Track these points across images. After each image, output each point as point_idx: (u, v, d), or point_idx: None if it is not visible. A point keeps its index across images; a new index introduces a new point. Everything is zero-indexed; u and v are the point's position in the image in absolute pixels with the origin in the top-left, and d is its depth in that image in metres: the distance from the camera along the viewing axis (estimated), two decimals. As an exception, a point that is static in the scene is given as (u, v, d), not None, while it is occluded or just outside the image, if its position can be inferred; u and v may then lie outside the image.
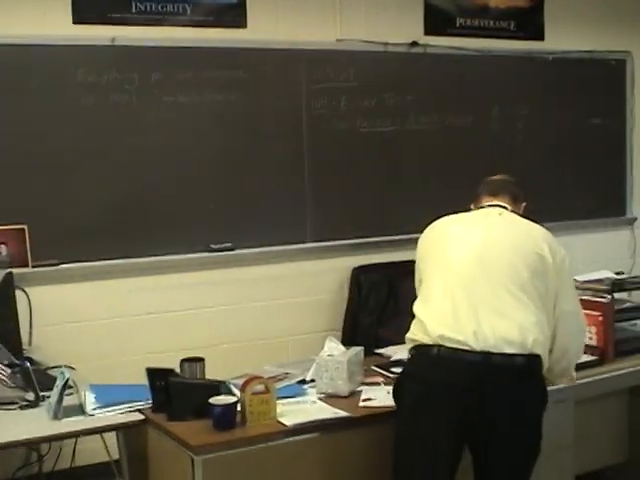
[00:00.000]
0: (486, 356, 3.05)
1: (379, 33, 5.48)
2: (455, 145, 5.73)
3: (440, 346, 3.09)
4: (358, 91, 5.43)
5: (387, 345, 4.45)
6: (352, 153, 5.45)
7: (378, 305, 5.46)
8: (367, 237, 5.51)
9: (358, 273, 5.51)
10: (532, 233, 3.34)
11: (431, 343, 3.12)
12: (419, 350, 3.18)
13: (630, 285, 4.26)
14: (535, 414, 3.20)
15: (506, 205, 3.49)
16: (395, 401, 3.28)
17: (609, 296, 4.10)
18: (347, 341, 4.96)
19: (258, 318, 5.22)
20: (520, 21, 5.98)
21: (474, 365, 3.06)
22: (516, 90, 5.98)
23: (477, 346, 3.06)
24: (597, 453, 4.14)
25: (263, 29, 5.14)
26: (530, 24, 6.02)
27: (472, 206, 3.60)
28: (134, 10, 4.78)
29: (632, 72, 6.46)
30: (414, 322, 3.25)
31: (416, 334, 3.20)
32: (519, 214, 3.48)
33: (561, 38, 6.11)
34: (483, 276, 3.19)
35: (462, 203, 5.48)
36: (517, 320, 3.12)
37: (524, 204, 3.58)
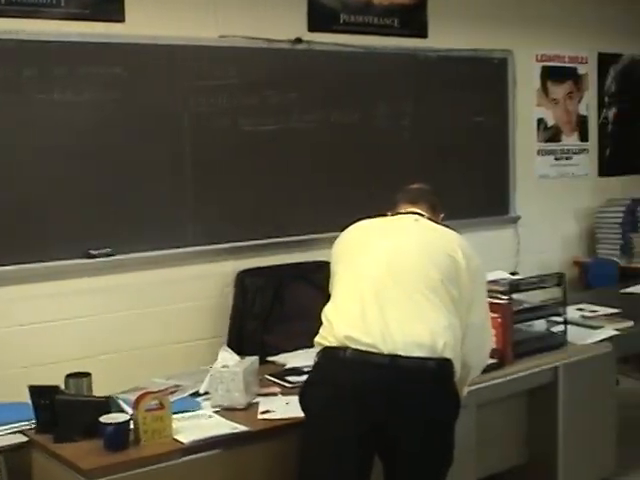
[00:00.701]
0: (394, 359, 2.95)
1: (262, 29, 5.30)
2: (342, 143, 5.59)
3: (347, 348, 2.98)
4: (241, 89, 5.23)
5: (273, 351, 4.33)
6: (235, 152, 5.24)
7: (263, 310, 5.27)
8: (252, 239, 5.31)
9: (243, 277, 5.31)
10: (446, 237, 3.27)
11: (338, 345, 3.01)
12: (326, 353, 3.06)
13: (526, 286, 4.20)
14: (445, 419, 3.10)
15: (423, 213, 3.41)
16: (302, 409, 3.13)
17: (507, 297, 4.03)
18: (232, 348, 4.76)
19: (140, 326, 4.97)
20: (404, 18, 5.88)
21: (382, 368, 2.95)
22: (402, 87, 5.89)
23: (385, 349, 2.95)
24: (498, 456, 4.09)
25: (142, 24, 4.89)
26: (414, 21, 5.94)
27: (389, 213, 3.49)
28: (4, 1, 4.46)
29: (514, 71, 6.45)
30: (323, 325, 3.13)
31: (324, 337, 3.09)
32: (436, 222, 3.40)
33: (445, 36, 6.05)
34: (393, 279, 3.09)
35: (349, 201, 5.40)
36: (428, 323, 3.03)
37: (442, 215, 3.52)
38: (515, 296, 4.18)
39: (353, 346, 2.98)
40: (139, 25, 4.88)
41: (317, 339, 3.14)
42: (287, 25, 5.42)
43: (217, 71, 5.16)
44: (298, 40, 5.44)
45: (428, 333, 3.00)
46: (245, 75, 5.25)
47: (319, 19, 5.54)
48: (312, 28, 5.51)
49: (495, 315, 3.97)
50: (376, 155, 5.69)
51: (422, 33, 5.99)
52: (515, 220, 6.59)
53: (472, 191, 6.30)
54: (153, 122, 4.95)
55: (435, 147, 6.08)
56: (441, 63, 6.05)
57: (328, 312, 3.15)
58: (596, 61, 7.00)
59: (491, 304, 4.00)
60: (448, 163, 6.14)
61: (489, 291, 4.06)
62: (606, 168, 7.15)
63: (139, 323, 4.97)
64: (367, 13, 5.71)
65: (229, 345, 5.05)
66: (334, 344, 3.03)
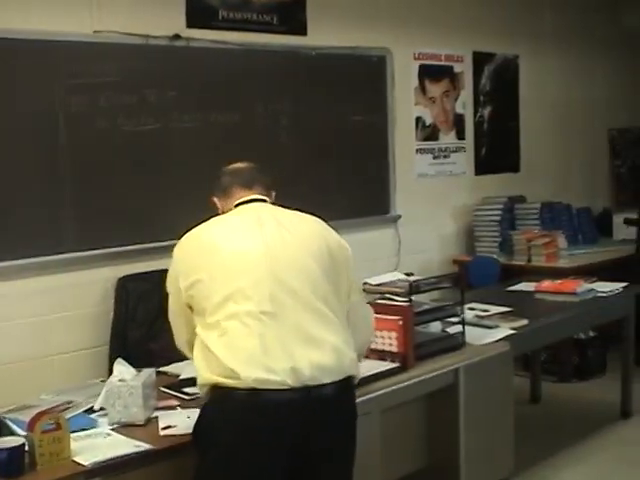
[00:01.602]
0: (305, 391, 2.76)
1: (140, 25, 5.07)
2: (222, 144, 5.41)
3: (253, 389, 2.72)
4: (119, 87, 5.00)
5: (160, 360, 4.09)
6: (114, 153, 5.00)
7: (148, 317, 5.05)
8: (134, 244, 5.08)
9: (125, 283, 5.09)
10: (312, 226, 3.10)
11: (242, 387, 2.73)
12: (228, 393, 2.76)
13: (426, 287, 4.11)
14: (353, 431, 2.98)
15: (264, 198, 3.19)
16: (200, 444, 2.88)
17: (408, 299, 3.94)
18: (116, 358, 4.54)
19: (17, 338, 4.68)
20: (283, 15, 5.75)
21: (294, 403, 2.75)
22: (281, 86, 5.75)
23: (296, 383, 2.75)
24: (401, 460, 3.99)
25: (12, 18, 4.61)
26: (293, 19, 5.81)
27: (218, 200, 3.28)
28: None
29: (392, 69, 6.40)
30: (210, 357, 2.80)
31: (219, 373, 2.76)
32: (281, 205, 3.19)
33: (324, 34, 5.94)
34: (284, 296, 2.85)
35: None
36: (331, 343, 2.87)
37: (274, 193, 3.29)
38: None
39: (262, 387, 2.72)
40: (9, 20, 4.59)
41: (205, 374, 2.81)
42: (165, 21, 5.21)
43: (93, 68, 4.92)
44: (176, 36, 5.25)
45: (334, 355, 2.85)
46: (122, 73, 5.03)
47: (198, 15, 5.35)
48: (191, 24, 5.32)
49: (396, 317, 3.89)
50: (256, 155, 5.50)
51: (301, 31, 5.87)
52: (395, 219, 6.54)
53: (352, 191, 6.22)
54: (26, 122, 4.67)
55: (314, 147, 5.97)
56: (320, 61, 5.94)
57: (216, 345, 2.80)
58: (471, 60, 7.03)
59: (391, 306, 3.95)
60: (328, 163, 6.05)
61: (387, 293, 4.04)
62: (482, 166, 7.18)
63: (16, 335, 4.68)
64: (246, 10, 5.56)
65: (111, 354, 4.85)
66: (237, 385, 2.73)
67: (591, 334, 6.53)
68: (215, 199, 3.31)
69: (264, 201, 3.19)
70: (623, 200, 8.41)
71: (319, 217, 3.18)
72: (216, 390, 2.79)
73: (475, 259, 6.75)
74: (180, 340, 3.21)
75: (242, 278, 2.86)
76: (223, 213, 3.24)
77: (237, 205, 3.18)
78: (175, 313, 3.15)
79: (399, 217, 6.54)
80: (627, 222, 7.55)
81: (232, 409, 2.77)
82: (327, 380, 2.81)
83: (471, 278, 6.42)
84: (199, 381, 2.88)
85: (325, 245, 3.03)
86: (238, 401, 2.74)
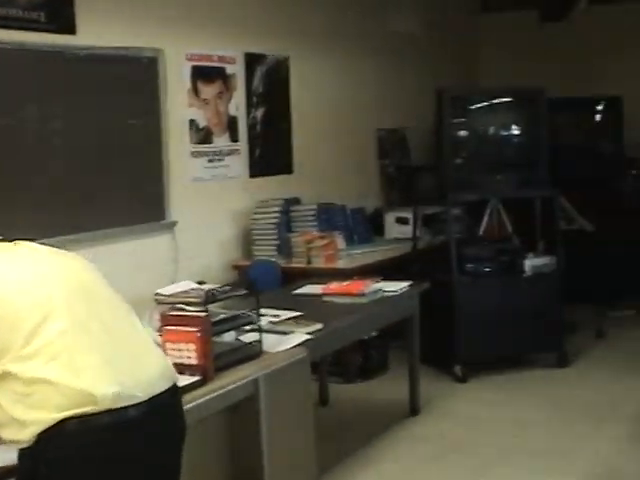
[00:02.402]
0: (152, 401, 2.57)
1: None
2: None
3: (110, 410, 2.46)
4: None
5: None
6: None
7: None
8: None
9: None
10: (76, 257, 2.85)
11: (99, 410, 2.45)
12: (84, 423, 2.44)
13: (222, 295, 3.95)
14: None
15: None
16: None
17: (204, 309, 3.77)
18: None
19: None
20: (50, 12, 5.39)
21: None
22: (52, 88, 5.41)
23: (144, 394, 2.54)
24: (205, 478, 3.82)
25: None
26: (61, 16, 5.46)
27: None
28: None
29: (164, 70, 6.18)
30: (41, 390, 2.45)
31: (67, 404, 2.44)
32: None
33: (94, 33, 5.62)
34: (96, 308, 2.64)
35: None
36: (152, 349, 2.75)
37: None
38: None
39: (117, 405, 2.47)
40: None
41: (36, 416, 2.43)
42: None
43: None
44: None
45: (161, 359, 2.73)
46: None
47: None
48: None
49: (193, 329, 3.71)
50: (28, 162, 5.21)
51: (70, 29, 5.53)
52: (171, 226, 6.32)
53: (125, 198, 5.95)
54: None
55: (86, 152, 5.65)
56: (91, 62, 5.63)
57: (49, 371, 2.45)
58: (243, 61, 6.91)
59: (187, 317, 3.77)
60: (100, 169, 5.74)
61: (181, 303, 3.86)
62: (257, 169, 7.08)
63: None
64: (11, 6, 5.18)
65: None
66: (90, 410, 2.44)
67: (373, 333, 6.57)
68: None
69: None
70: (393, 199, 8.56)
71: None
72: (58, 428, 2.44)
73: (254, 263, 6.64)
74: None
75: (50, 300, 2.56)
76: None
77: None
78: None
79: (175, 223, 6.32)
80: (399, 221, 7.71)
81: (75, 441, 2.45)
82: (166, 386, 2.65)
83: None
84: (16, 434, 2.46)
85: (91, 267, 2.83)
86: (87, 429, 2.44)
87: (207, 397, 3.64)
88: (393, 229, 7.81)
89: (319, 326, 4.53)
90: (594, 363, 6.84)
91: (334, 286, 5.38)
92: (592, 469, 4.93)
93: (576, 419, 5.65)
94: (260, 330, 4.14)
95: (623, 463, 5.00)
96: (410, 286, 5.53)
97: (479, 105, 7.34)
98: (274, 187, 7.17)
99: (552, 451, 5.17)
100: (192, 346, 3.71)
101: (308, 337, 4.36)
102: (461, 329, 6.49)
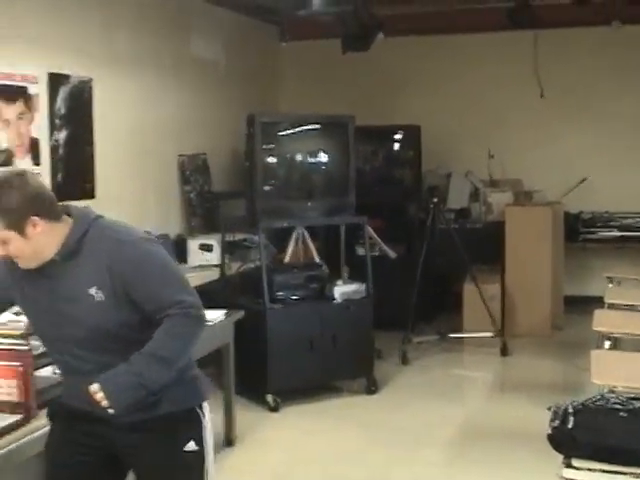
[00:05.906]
0: None
1: None
2: None
3: None
4: None
5: None
6: None
7: None
8: None
9: None
10: None
11: None
12: None
13: None
14: None
15: None
16: None
17: (26, 342, 3.54)
18: None
19: None
20: None
21: None
22: None
23: None
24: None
25: None
26: None
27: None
28: None
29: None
30: None
31: None
32: None
33: None
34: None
35: None
36: None
37: None
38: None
39: None
40: None
41: None
42: None
43: None
44: None
45: None
46: None
47: None
48: None
49: (15, 364, 3.48)
50: None
51: None
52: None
53: None
54: None
55: None
56: None
57: None
58: (46, 81, 6.62)
59: (7, 351, 3.53)
60: None
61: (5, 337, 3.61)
62: (60, 193, 6.73)
63: None
64: None
65: None
66: None
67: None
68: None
69: None
70: (195, 226, 8.43)
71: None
72: None
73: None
74: None
75: None
76: None
77: None
78: None
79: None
80: (203, 248, 7.59)
81: None
82: None
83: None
84: None
85: None
86: None
87: (32, 436, 3.42)
88: (197, 256, 7.66)
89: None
90: (402, 389, 6.95)
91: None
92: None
93: (392, 444, 5.69)
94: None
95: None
96: (225, 315, 5.42)
97: (289, 132, 7.33)
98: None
99: (372, 477, 5.18)
100: (14, 382, 3.48)
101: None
102: (273, 357, 6.42)
